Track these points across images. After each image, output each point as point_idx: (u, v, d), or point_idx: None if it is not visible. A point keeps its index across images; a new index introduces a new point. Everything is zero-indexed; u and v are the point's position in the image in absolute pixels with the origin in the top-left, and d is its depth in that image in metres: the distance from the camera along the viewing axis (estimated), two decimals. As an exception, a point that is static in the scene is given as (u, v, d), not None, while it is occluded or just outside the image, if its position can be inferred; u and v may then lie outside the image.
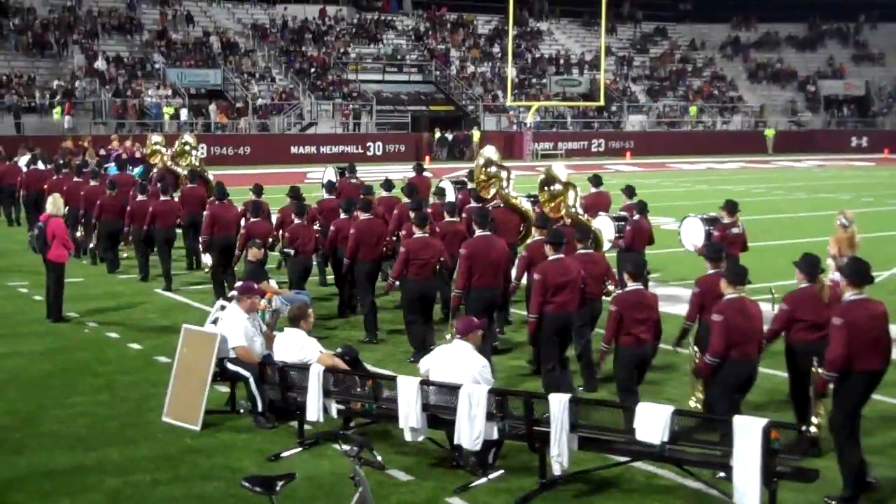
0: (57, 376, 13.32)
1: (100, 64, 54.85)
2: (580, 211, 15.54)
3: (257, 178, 21.02)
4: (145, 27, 60.44)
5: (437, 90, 64.31)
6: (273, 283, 15.44)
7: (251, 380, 11.16)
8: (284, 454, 10.30)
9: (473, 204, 16.20)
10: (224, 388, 11.92)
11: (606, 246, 15.91)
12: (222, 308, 12.29)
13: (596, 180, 19.24)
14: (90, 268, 21.48)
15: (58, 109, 50.36)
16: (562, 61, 70.15)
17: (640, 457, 9.24)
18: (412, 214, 14.82)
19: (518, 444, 9.83)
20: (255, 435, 10.96)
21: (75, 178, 23.42)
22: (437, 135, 58.25)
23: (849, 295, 9.16)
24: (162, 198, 19.66)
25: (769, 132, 65.89)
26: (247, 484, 6.93)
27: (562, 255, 11.98)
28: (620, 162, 57.53)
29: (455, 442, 9.63)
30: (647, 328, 10.75)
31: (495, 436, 9.52)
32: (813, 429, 9.81)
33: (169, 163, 24.24)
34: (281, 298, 14.62)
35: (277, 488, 6.88)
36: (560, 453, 9.05)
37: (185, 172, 22.68)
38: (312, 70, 61.01)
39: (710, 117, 69.48)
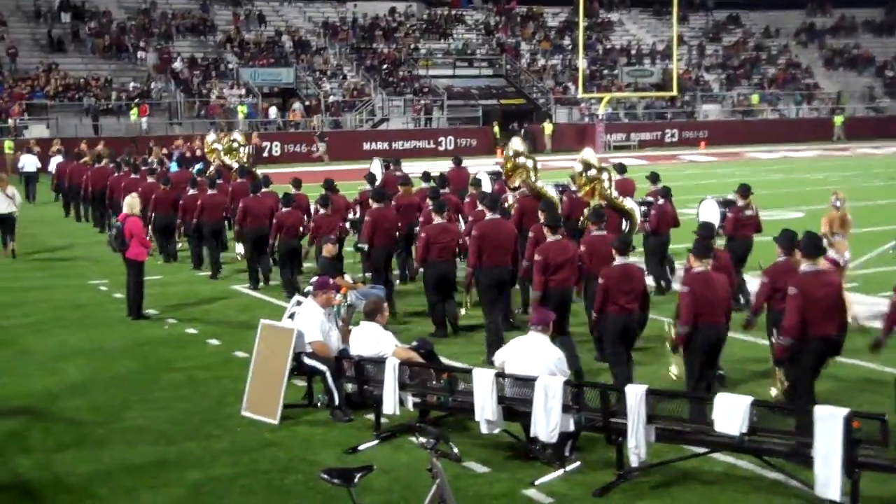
0: (139, 372, 13.56)
1: (176, 65, 55.68)
2: (616, 194, 16.46)
3: (330, 175, 21.33)
4: (218, 28, 61.19)
5: (508, 84, 64.16)
6: (348, 277, 15.55)
7: (328, 374, 11.25)
8: (362, 447, 10.39)
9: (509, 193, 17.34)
10: (301, 383, 12.05)
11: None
12: (298, 304, 12.41)
13: (620, 168, 19.93)
14: (169, 266, 21.81)
15: (134, 111, 51.22)
16: (633, 52, 69.58)
17: (719, 448, 9.17)
18: (430, 202, 16.16)
19: (595, 436, 9.79)
20: (333, 428, 11.06)
21: (132, 175, 24.89)
22: (496, 129, 57.79)
23: (804, 266, 10.18)
24: (209, 191, 20.74)
25: (838, 119, 64.61)
26: (325, 476, 7.00)
27: (560, 237, 12.90)
28: (695, 152, 56.89)
29: (531, 434, 9.62)
30: (632, 298, 11.47)
31: (572, 428, 9.50)
32: (773, 391, 10.70)
33: (225, 158, 25.53)
34: (356, 293, 14.70)
35: (356, 480, 6.93)
36: (637, 445, 9.01)
37: (236, 168, 24.35)
38: (383, 66, 61.27)
39: (784, 105, 68.45)
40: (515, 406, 9.82)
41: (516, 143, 17.71)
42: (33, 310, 17.61)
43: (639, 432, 8.98)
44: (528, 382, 9.63)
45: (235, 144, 26.01)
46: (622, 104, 64.86)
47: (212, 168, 25.51)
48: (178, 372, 13.53)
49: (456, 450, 7.39)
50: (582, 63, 58.72)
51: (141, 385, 12.93)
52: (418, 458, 9.55)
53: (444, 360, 12.19)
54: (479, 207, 15.59)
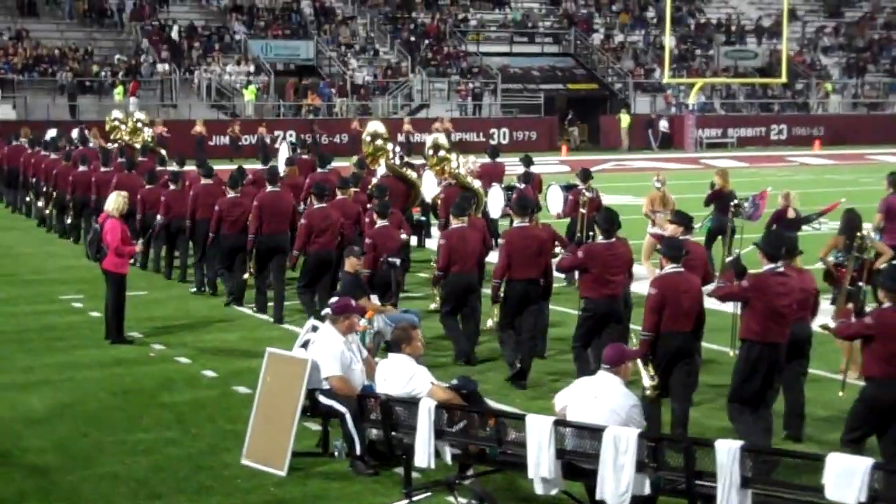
0: (117, 408, 13.65)
1: (174, 35, 56.20)
2: (462, 172, 20.98)
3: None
4: (224, -9, 61.72)
5: (577, 65, 64.21)
6: (375, 299, 15.60)
7: (348, 416, 11.26)
8: (388, 508, 10.41)
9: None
10: (315, 426, 12.09)
11: (499, 213, 23.43)
12: (314, 329, 12.44)
13: (493, 152, 26.56)
14: (156, 279, 22.02)
15: (119, 90, 51.69)
16: (733, 28, 69.41)
17: (830, 520, 9.09)
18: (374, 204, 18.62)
19: (677, 502, 9.74)
20: (353, 483, 11.07)
21: (42, 153, 30.01)
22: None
23: (516, 223, 15.46)
24: (102, 169, 25.57)
25: None
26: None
27: (324, 205, 17.92)
28: (807, 153, 56.61)
29: (597, 497, 9.58)
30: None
31: (647, 491, 9.45)
32: (490, 322, 15.99)
33: (126, 138, 31.34)
34: (384, 318, 14.74)
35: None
36: (729, 514, 8.96)
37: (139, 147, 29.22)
38: (424, 41, 61.47)
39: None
40: (578, 462, 9.79)
41: (374, 126, 22.96)
42: (-9, 329, 17.85)
43: (731, 498, 8.93)
44: (594, 433, 9.61)
45: (140, 125, 31.90)
46: (718, 92, 64.66)
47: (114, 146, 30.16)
48: (165, 409, 13.60)
49: (504, 514, 7.40)
50: (669, 41, 58.61)
51: (119, 424, 13.01)
52: (457, 523, 9.57)
53: (490, 402, 12.20)
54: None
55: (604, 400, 9.89)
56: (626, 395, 10.02)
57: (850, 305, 13.22)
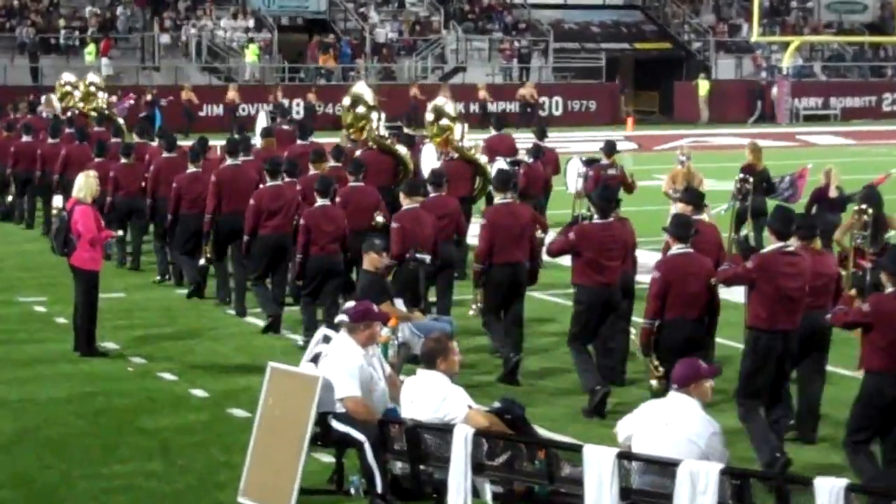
0: (88, 435, 13.71)
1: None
2: (464, 145, 22.29)
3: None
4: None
5: (646, 19, 64.05)
6: (399, 303, 15.60)
7: (367, 445, 11.27)
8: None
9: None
10: (327, 458, 12.12)
11: None
12: (325, 340, 12.43)
13: (498, 122, 28.47)
14: (133, 276, 22.12)
15: (91, 49, 51.82)
16: (837, -26, 69.18)
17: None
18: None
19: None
20: (372, 527, 11.10)
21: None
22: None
23: (497, 200, 16.27)
24: (50, 140, 27.47)
25: None
26: None
27: (278, 182, 18.57)
28: (926, 127, 56.34)
29: (670, 547, 9.60)
30: (331, 240, 17.01)
31: (731, 539, 9.45)
32: (472, 311, 16.63)
33: (80, 105, 33.43)
34: (411, 326, 14.73)
35: None
36: (831, 569, 8.93)
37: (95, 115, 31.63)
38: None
39: None
40: (647, 503, 9.81)
41: (357, 90, 23.60)
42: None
43: (833, 549, 8.91)
44: (666, 468, 9.60)
45: (93, 89, 33.61)
46: (818, 53, 64.37)
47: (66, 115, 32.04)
48: (146, 436, 13.66)
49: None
50: (759, -10, 58.49)
51: (92, 453, 13.06)
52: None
53: (539, 429, 12.20)
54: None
55: (677, 427, 9.87)
56: (705, 421, 9.99)
57: (853, 291, 13.43)
